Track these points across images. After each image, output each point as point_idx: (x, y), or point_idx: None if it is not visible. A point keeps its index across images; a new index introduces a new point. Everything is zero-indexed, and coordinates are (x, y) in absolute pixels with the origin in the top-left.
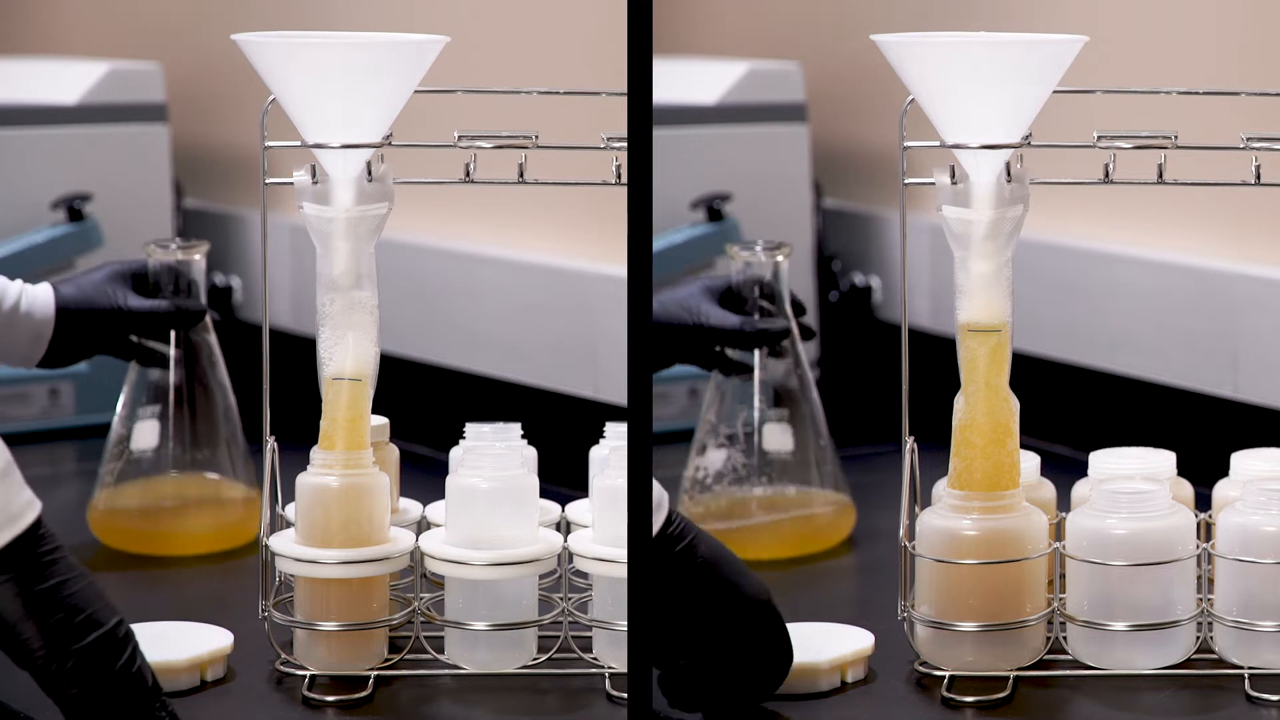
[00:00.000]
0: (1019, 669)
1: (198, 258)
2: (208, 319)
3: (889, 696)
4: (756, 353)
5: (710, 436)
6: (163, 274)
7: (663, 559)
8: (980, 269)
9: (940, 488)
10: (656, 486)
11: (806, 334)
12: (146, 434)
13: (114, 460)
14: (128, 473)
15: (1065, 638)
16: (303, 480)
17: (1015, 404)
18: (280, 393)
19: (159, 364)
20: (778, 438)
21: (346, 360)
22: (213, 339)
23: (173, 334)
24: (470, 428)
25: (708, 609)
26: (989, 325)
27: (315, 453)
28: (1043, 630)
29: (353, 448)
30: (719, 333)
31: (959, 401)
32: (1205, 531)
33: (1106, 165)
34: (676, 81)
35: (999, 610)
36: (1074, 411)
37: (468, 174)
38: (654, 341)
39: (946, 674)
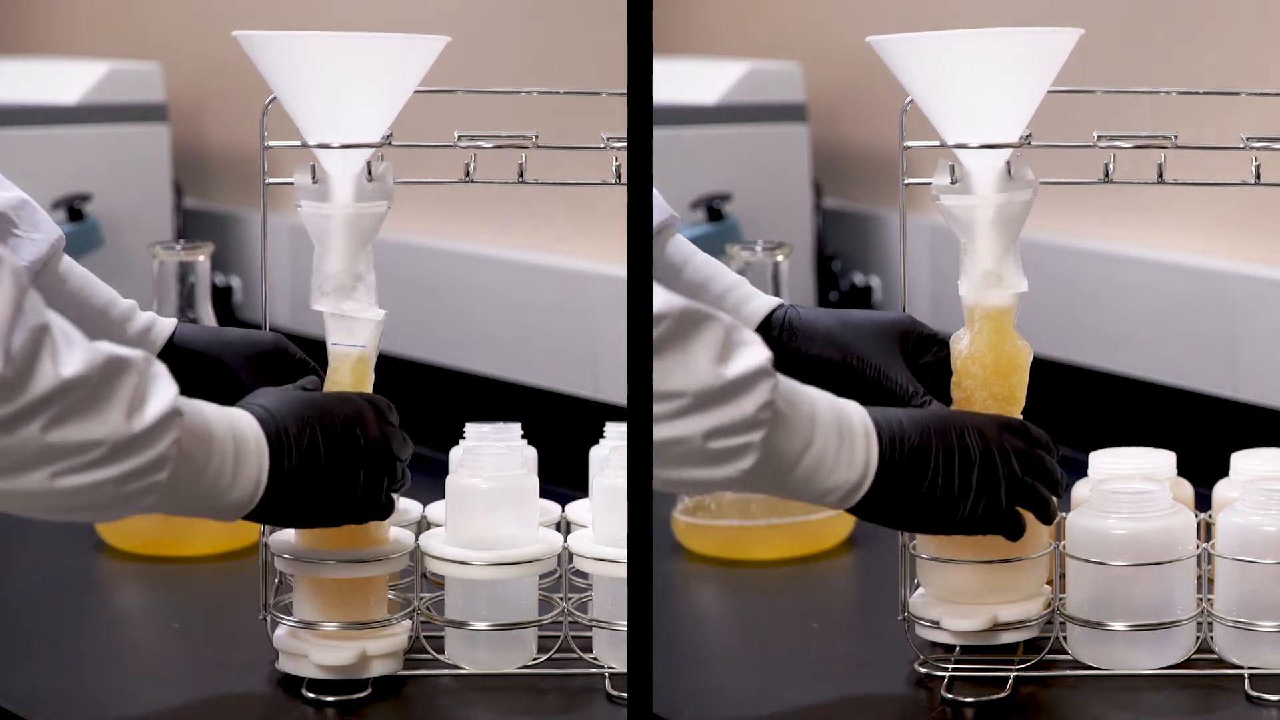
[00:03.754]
0: (1019, 669)
1: (201, 259)
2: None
3: (889, 696)
4: None
5: None
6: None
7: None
8: (986, 259)
9: None
10: (851, 406)
11: None
12: None
13: None
14: None
15: (1065, 638)
16: None
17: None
18: None
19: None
20: None
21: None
22: None
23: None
24: (470, 428)
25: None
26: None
27: None
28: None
29: None
30: None
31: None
32: (1205, 531)
33: (1106, 165)
34: (676, 81)
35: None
36: (1074, 411)
37: (468, 174)
38: None
39: (946, 674)
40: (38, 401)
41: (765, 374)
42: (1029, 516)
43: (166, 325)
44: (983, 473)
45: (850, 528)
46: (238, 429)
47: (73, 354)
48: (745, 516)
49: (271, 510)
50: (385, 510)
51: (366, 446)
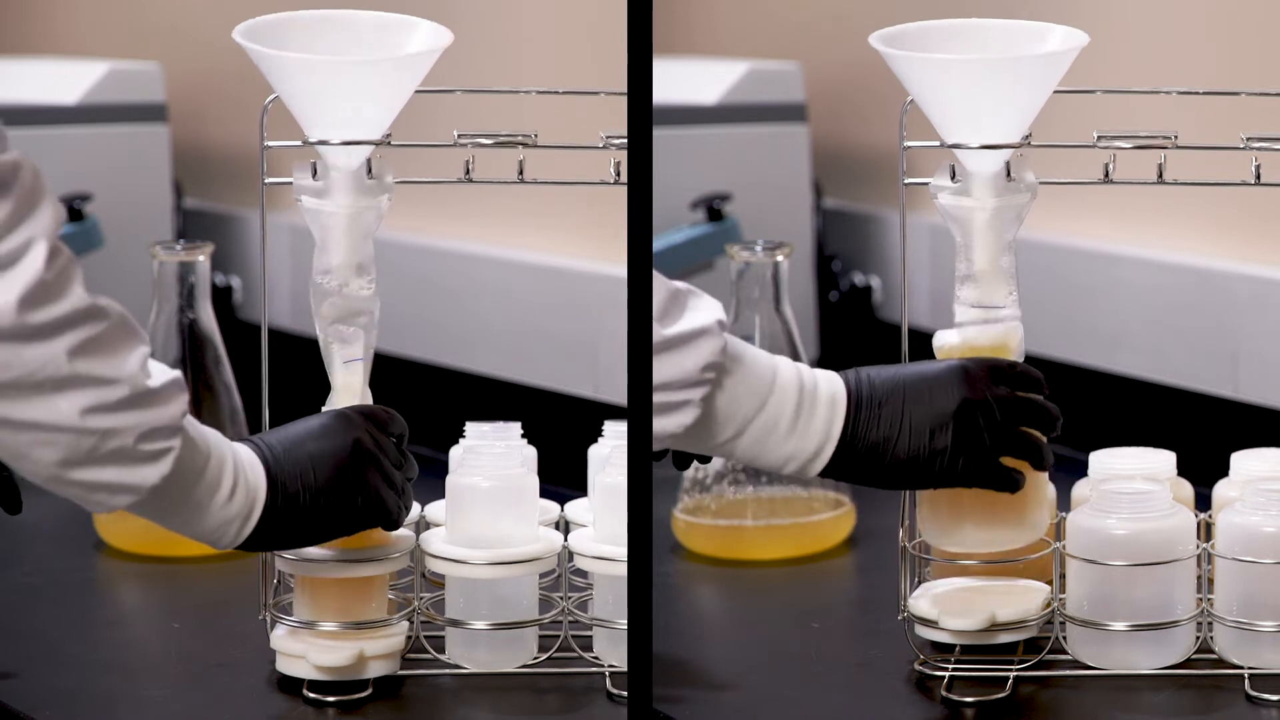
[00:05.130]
0: (1019, 669)
1: (201, 259)
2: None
3: (889, 696)
4: None
5: None
6: None
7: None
8: (980, 260)
9: None
10: (823, 376)
11: None
12: None
13: None
14: None
15: (1065, 637)
16: None
17: None
18: (280, 392)
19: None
20: None
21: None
22: (218, 339)
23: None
24: (470, 427)
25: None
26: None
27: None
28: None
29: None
30: None
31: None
32: (1205, 531)
33: (1106, 165)
34: (676, 81)
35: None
36: (1074, 411)
37: (467, 173)
38: None
39: (946, 674)
40: (67, 318)
41: (709, 334)
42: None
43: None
44: (959, 429)
45: (850, 528)
46: (236, 448)
47: (96, 292)
48: (745, 516)
49: (268, 538)
50: (389, 522)
51: (361, 480)
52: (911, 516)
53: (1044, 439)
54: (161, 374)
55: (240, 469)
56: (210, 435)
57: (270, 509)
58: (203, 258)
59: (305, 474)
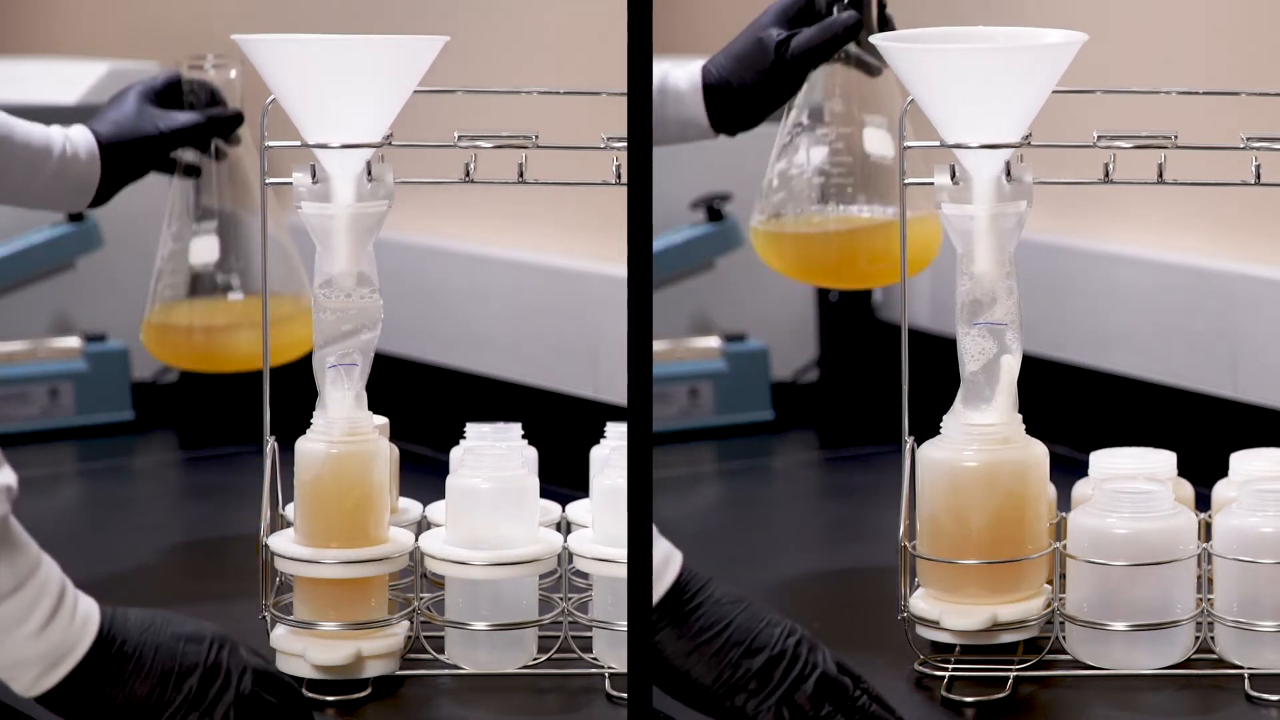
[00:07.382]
0: (1019, 669)
1: (233, 75)
2: (245, 128)
3: (889, 696)
4: None
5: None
6: (197, 89)
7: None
8: (982, 266)
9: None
10: (665, 545)
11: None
12: (205, 249)
13: (171, 275)
14: (183, 287)
15: (1065, 637)
16: (303, 446)
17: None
18: (280, 392)
19: (199, 174)
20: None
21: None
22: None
23: (214, 147)
24: (470, 428)
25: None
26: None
27: (315, 416)
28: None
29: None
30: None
31: None
32: (1205, 531)
33: (1106, 165)
34: None
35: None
36: (1074, 411)
37: (468, 174)
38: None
39: (946, 674)
40: None
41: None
42: None
43: (80, 133)
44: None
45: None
46: (74, 591)
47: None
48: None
49: (81, 702)
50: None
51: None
52: (911, 517)
53: None
54: None
55: (65, 610)
56: (40, 569)
57: (88, 670)
58: (233, 74)
59: (142, 657)
